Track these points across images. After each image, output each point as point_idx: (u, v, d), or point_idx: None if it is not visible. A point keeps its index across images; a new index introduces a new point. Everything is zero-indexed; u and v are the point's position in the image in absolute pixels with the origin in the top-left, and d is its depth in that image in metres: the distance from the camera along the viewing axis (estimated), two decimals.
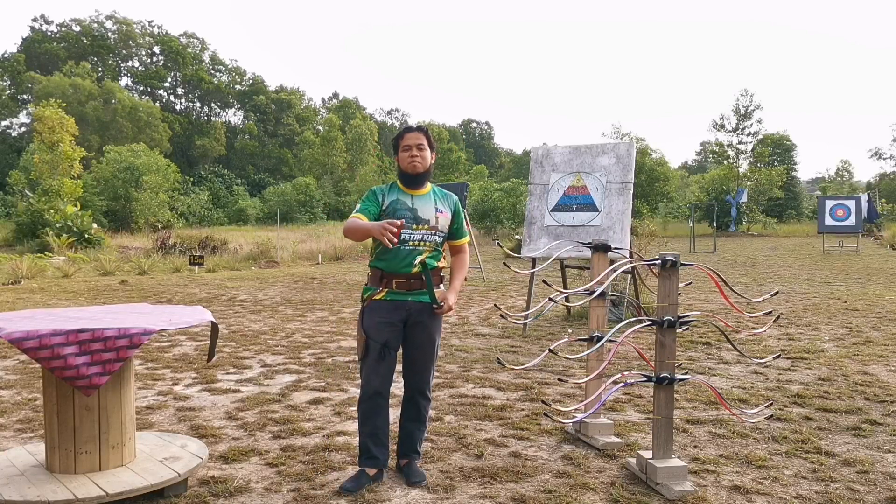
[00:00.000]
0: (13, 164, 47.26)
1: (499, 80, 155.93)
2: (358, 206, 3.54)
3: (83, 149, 28.66)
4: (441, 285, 3.61)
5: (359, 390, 3.63)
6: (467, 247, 3.80)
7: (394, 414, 4.27)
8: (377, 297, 3.52)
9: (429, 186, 3.65)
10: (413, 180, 3.57)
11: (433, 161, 3.64)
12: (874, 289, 12.17)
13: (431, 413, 4.78)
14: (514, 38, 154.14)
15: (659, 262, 3.60)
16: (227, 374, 6.04)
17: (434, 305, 3.56)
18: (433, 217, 3.55)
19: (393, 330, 3.50)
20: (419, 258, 3.51)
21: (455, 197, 3.76)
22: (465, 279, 3.83)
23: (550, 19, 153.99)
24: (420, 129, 3.61)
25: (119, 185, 37.31)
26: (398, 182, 3.63)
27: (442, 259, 3.62)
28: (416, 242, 3.50)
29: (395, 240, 3.17)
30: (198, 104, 77.27)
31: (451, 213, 3.66)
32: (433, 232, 3.54)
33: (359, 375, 3.77)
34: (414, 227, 3.51)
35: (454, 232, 3.68)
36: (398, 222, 3.19)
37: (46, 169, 26.36)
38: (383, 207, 3.54)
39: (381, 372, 3.49)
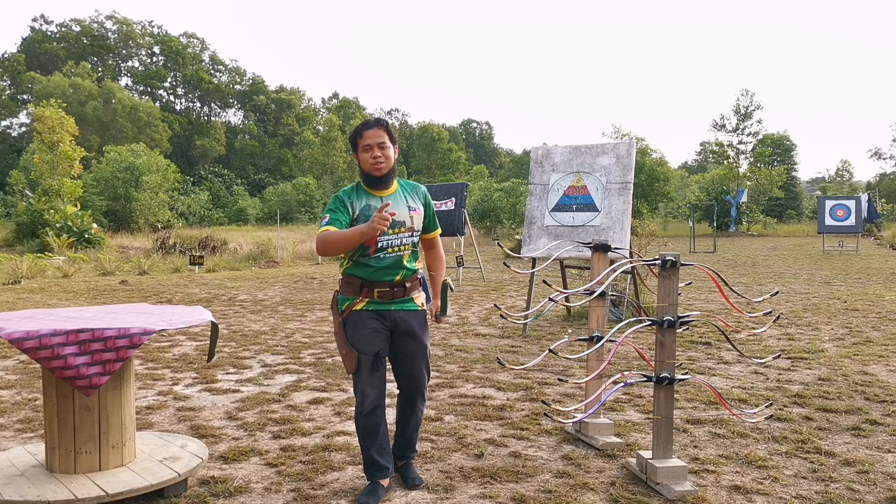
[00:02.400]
0: (13, 164, 47.26)
1: (499, 80, 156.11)
2: (326, 217, 3.28)
3: (83, 149, 28.63)
4: (422, 289, 3.53)
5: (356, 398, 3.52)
6: (439, 239, 3.64)
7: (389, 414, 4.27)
8: (357, 307, 3.33)
9: (395, 184, 3.43)
10: (378, 182, 3.35)
11: (397, 155, 3.42)
12: (874, 289, 12.17)
13: (431, 413, 4.79)
14: (514, 38, 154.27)
15: (659, 262, 3.60)
16: (227, 374, 6.04)
17: (441, 315, 3.55)
18: (408, 217, 3.38)
19: (382, 338, 3.35)
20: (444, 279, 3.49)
21: (423, 188, 3.55)
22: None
23: (551, 19, 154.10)
24: (379, 123, 3.35)
25: (119, 185, 37.28)
26: (363, 184, 3.41)
27: (418, 261, 3.50)
28: (396, 248, 3.35)
29: (389, 221, 3.07)
30: (198, 104, 77.30)
31: (423, 207, 3.49)
32: (410, 233, 3.39)
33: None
34: (390, 232, 3.31)
35: (426, 225, 3.51)
36: (386, 206, 3.08)
37: (46, 169, 26.35)
38: (354, 216, 3.32)
39: (376, 384, 3.35)
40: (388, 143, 3.35)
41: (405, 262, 3.39)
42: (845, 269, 16.05)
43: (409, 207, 3.41)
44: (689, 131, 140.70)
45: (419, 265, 3.51)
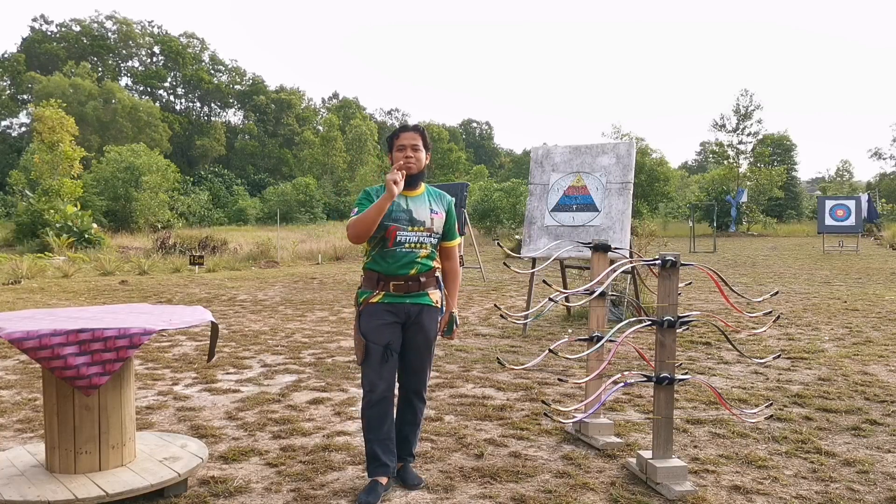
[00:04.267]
0: (13, 164, 47.28)
1: (499, 80, 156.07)
2: (355, 210, 3.46)
3: (83, 149, 28.64)
4: (438, 287, 3.56)
5: (360, 391, 3.57)
6: (457, 250, 3.69)
7: None
8: (373, 300, 3.44)
9: (423, 187, 3.55)
10: (407, 182, 3.45)
11: (428, 161, 3.56)
12: (874, 289, 12.17)
13: (431, 413, 4.79)
14: (513, 38, 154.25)
15: (659, 262, 3.60)
16: (227, 374, 6.04)
17: (447, 334, 3.60)
18: (428, 219, 3.47)
19: (393, 331, 3.43)
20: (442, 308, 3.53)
21: (449, 197, 3.67)
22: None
23: (551, 19, 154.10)
24: (416, 128, 3.51)
25: (119, 185, 37.29)
26: None
27: (436, 260, 3.56)
28: (413, 245, 3.43)
29: (403, 173, 3.33)
30: (198, 104, 77.28)
31: (445, 213, 3.57)
32: (429, 234, 3.47)
33: (359, 376, 3.70)
34: (410, 228, 3.43)
35: (446, 232, 3.58)
36: (398, 167, 3.35)
37: (46, 169, 26.35)
38: None
39: (385, 375, 3.40)
40: (421, 147, 3.49)
41: (420, 258, 3.45)
42: (845, 269, 16.05)
43: (431, 210, 3.51)
44: (689, 131, 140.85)
45: (437, 264, 3.55)
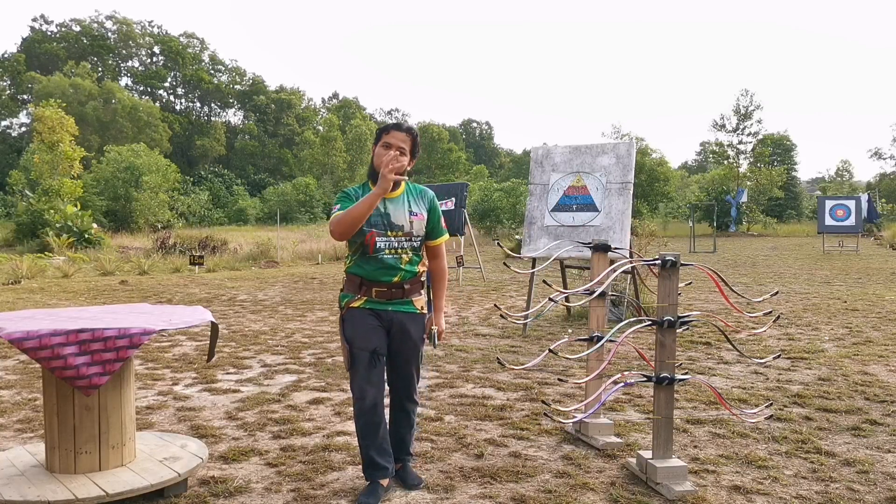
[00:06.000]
0: (13, 164, 47.30)
1: (499, 80, 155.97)
2: (336, 207, 3.31)
3: (83, 149, 28.64)
4: (422, 291, 3.49)
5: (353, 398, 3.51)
6: (444, 248, 3.58)
7: None
8: (354, 304, 3.36)
9: (402, 187, 3.42)
10: None
11: (411, 167, 3.41)
12: (874, 289, 12.17)
13: (431, 413, 4.79)
14: (513, 38, 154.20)
15: (659, 262, 3.60)
16: (227, 374, 6.04)
17: (433, 345, 3.54)
18: (406, 222, 3.35)
19: (379, 335, 3.35)
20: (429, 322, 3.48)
21: (431, 193, 3.52)
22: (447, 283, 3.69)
23: (550, 19, 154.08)
24: (410, 131, 3.38)
25: (119, 185, 37.31)
26: (370, 183, 3.41)
27: (421, 264, 3.47)
28: (393, 251, 3.32)
29: (399, 170, 3.18)
30: (198, 104, 77.28)
31: (427, 212, 3.44)
32: (408, 238, 3.35)
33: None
34: (388, 234, 3.32)
35: (430, 231, 3.46)
36: (395, 156, 3.19)
37: (46, 169, 26.35)
38: None
39: (374, 381, 3.34)
40: (408, 151, 3.37)
41: (404, 265, 3.36)
42: (845, 269, 16.05)
43: (410, 212, 3.39)
44: (689, 131, 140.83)
45: (422, 268, 3.48)
